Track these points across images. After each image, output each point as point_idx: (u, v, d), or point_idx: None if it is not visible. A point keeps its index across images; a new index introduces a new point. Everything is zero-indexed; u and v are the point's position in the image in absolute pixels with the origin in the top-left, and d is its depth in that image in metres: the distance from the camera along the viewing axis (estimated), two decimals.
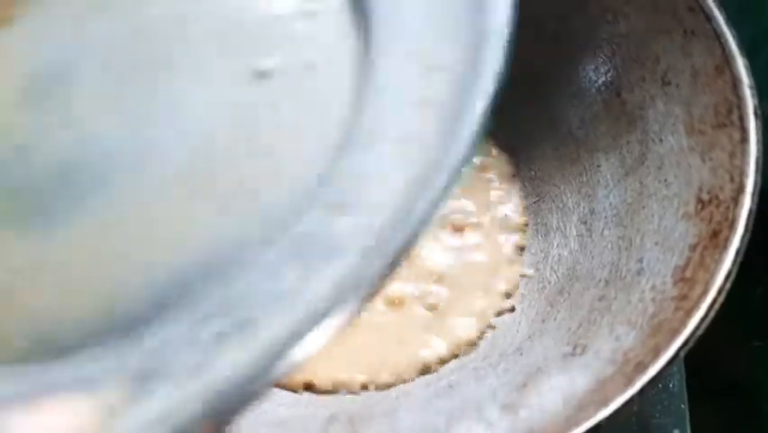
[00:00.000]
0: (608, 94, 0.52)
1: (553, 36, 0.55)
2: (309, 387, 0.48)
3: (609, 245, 0.48)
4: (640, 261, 0.45)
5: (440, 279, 0.51)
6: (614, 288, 0.45)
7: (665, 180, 0.46)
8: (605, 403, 0.36)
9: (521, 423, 0.40)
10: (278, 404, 0.47)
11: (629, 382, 0.36)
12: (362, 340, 0.49)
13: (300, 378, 0.48)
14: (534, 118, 0.56)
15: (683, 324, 0.37)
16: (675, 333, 0.37)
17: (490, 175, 0.56)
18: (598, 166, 0.52)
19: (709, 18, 0.46)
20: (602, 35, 0.52)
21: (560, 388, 0.40)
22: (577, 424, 0.35)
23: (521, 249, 0.52)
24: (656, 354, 0.37)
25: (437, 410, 0.44)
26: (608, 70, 0.52)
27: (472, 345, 0.49)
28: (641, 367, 0.37)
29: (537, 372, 0.44)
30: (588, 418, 0.35)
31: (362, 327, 0.50)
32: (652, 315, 0.40)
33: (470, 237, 0.53)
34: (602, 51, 0.53)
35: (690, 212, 0.43)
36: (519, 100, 0.57)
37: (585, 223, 0.51)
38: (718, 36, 0.45)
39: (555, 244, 0.52)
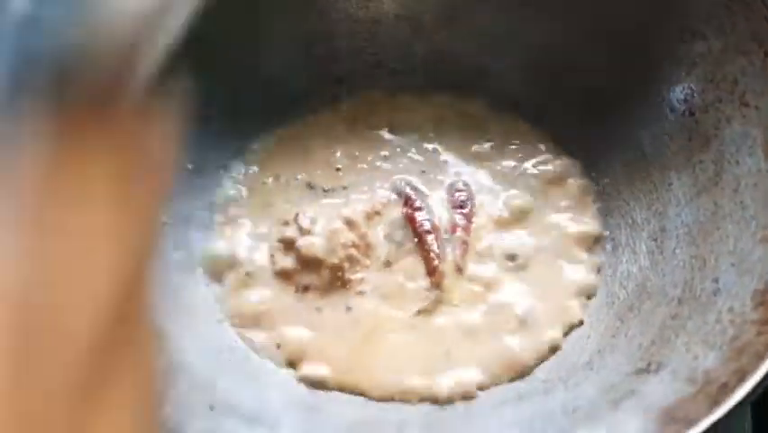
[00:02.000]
0: (681, 112, 0.52)
1: (626, 53, 0.55)
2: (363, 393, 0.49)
3: (682, 264, 0.48)
4: (715, 281, 0.45)
5: (505, 292, 0.52)
6: (688, 307, 0.46)
7: (741, 202, 0.47)
8: (689, 423, 0.36)
9: None
10: (343, 408, 0.48)
11: (715, 403, 0.37)
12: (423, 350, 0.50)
13: (363, 383, 0.48)
14: (604, 133, 0.57)
15: None
16: (761, 356, 0.37)
17: (561, 187, 0.57)
18: (670, 184, 0.52)
19: None
20: (677, 54, 0.53)
21: (637, 405, 0.41)
22: None
23: (592, 264, 0.53)
24: (742, 376, 0.37)
25: (508, 422, 0.45)
26: (683, 89, 0.53)
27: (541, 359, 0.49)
28: (726, 389, 0.37)
29: (611, 388, 0.44)
30: None
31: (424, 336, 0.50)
32: (732, 337, 0.41)
33: (540, 251, 0.54)
34: (676, 70, 0.53)
35: None
36: (590, 114, 0.57)
37: (656, 240, 0.51)
38: None
39: (624, 260, 0.52)
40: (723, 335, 0.41)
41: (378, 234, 0.54)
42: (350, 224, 0.54)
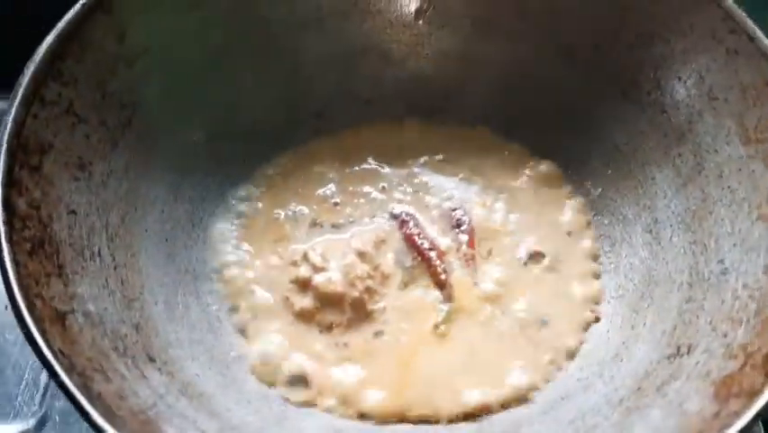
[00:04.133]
0: (652, 112, 0.56)
1: (589, 63, 0.59)
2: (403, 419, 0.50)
3: (682, 250, 0.52)
4: (721, 262, 0.49)
5: (518, 296, 0.54)
6: (700, 289, 0.49)
7: (729, 187, 0.50)
8: (751, 394, 0.39)
9: (660, 422, 0.42)
10: None
11: (767, 372, 0.40)
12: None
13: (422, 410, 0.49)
14: (578, 139, 0.60)
15: None
16: None
17: (548, 194, 0.59)
18: (653, 178, 0.56)
19: (752, 38, 0.51)
20: (640, 59, 0.56)
21: (686, 387, 0.43)
22: (730, 417, 0.39)
23: (594, 261, 0.56)
24: None
25: (560, 423, 0.47)
26: (650, 91, 0.56)
27: (568, 358, 0.51)
28: None
29: (646, 376, 0.47)
30: (739, 410, 0.39)
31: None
32: (756, 310, 0.44)
33: (542, 254, 0.56)
34: (642, 74, 0.57)
35: (765, 214, 0.48)
36: (562, 123, 0.60)
37: (650, 232, 0.55)
38: (764, 54, 0.50)
39: (624, 255, 0.55)
40: (746, 310, 0.45)
41: (388, 261, 0.55)
42: (362, 255, 0.54)
